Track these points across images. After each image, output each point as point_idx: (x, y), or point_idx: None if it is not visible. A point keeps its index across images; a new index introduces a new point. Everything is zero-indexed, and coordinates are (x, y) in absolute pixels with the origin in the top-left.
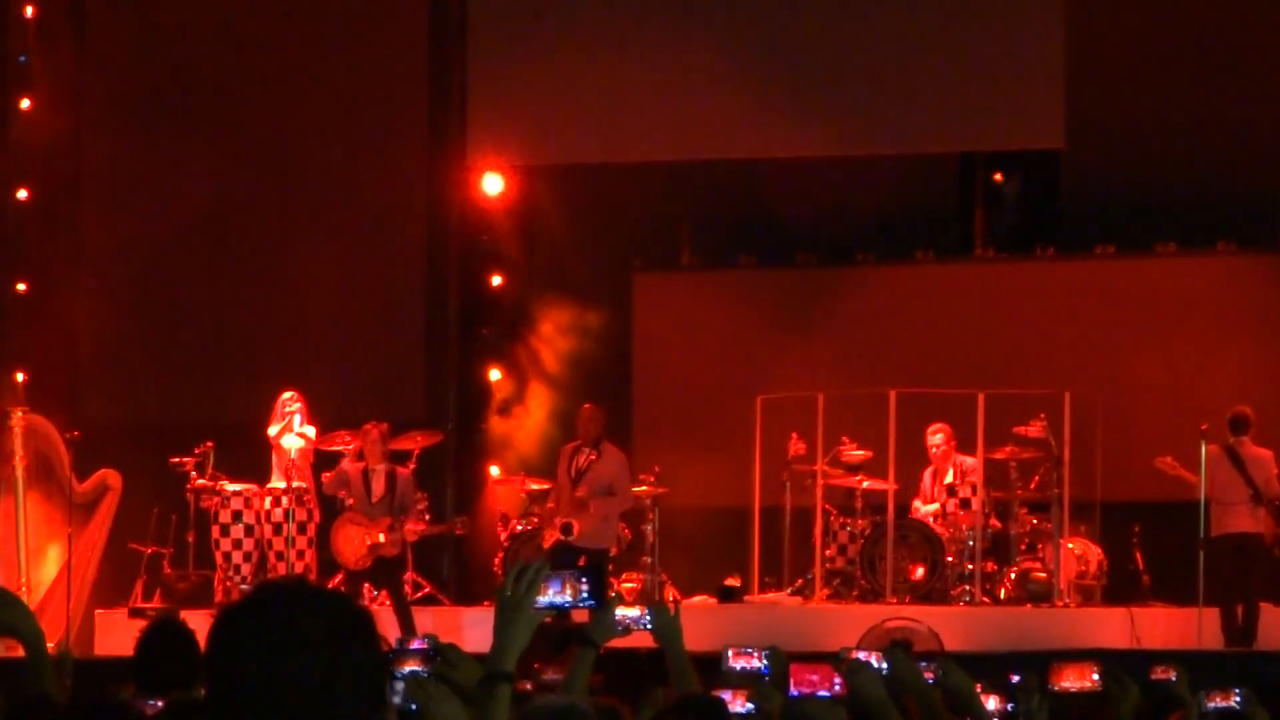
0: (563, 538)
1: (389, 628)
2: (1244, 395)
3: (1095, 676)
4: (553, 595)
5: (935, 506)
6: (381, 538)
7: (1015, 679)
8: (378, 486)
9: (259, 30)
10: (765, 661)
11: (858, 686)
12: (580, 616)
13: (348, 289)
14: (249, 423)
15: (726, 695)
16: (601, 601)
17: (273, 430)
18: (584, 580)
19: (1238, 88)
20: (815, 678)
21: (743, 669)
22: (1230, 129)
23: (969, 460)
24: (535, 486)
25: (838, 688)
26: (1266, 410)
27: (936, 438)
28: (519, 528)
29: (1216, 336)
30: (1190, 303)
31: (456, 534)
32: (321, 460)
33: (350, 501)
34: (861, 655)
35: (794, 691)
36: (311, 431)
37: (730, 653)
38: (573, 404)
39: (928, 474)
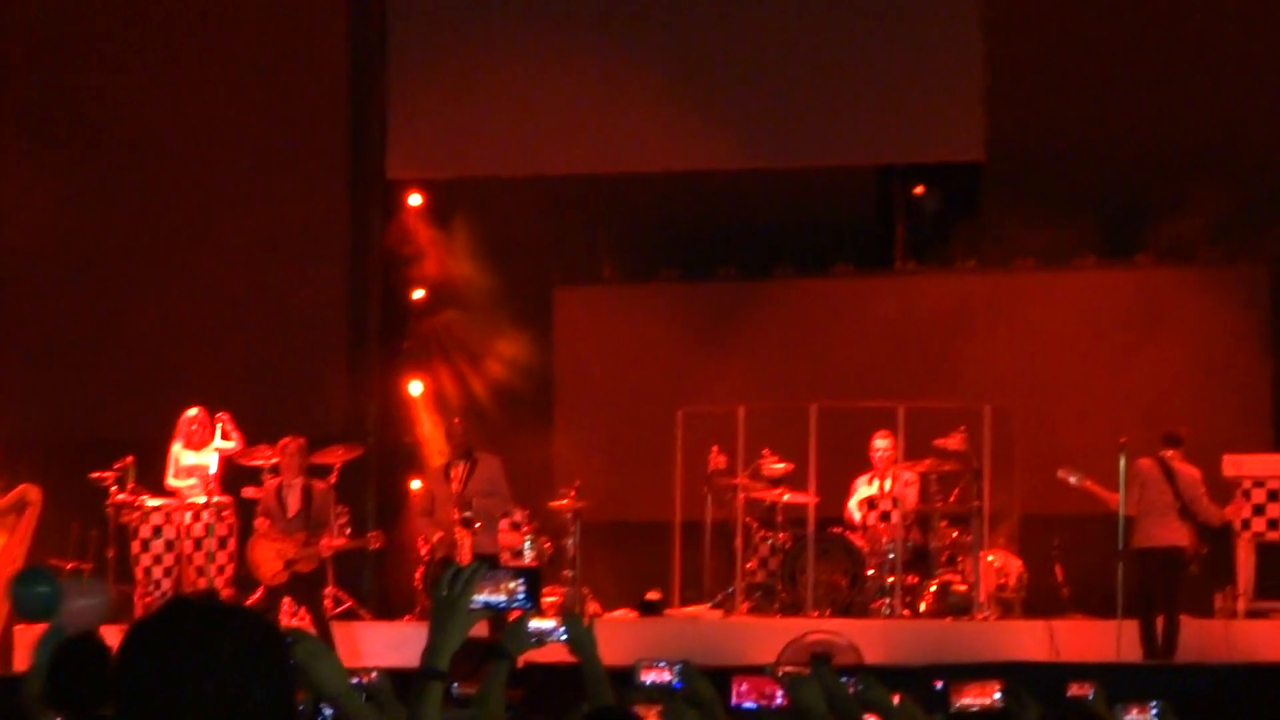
0: (464, 529)
1: None
2: (1163, 408)
3: (997, 695)
4: (488, 595)
5: (869, 493)
6: (295, 553)
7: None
8: (292, 501)
9: (177, 41)
10: (677, 676)
11: (800, 700)
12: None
13: (269, 303)
14: (170, 438)
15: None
16: (537, 603)
17: (176, 447)
18: (520, 581)
19: (1156, 101)
20: (744, 687)
21: (654, 683)
22: (1148, 142)
23: (906, 474)
24: None
25: (780, 701)
26: (1184, 421)
27: (883, 443)
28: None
29: (1135, 349)
30: (1109, 315)
31: (371, 549)
32: (241, 474)
33: (266, 521)
34: (790, 669)
35: (734, 703)
36: (233, 444)
37: (641, 666)
38: (496, 418)
39: (862, 480)
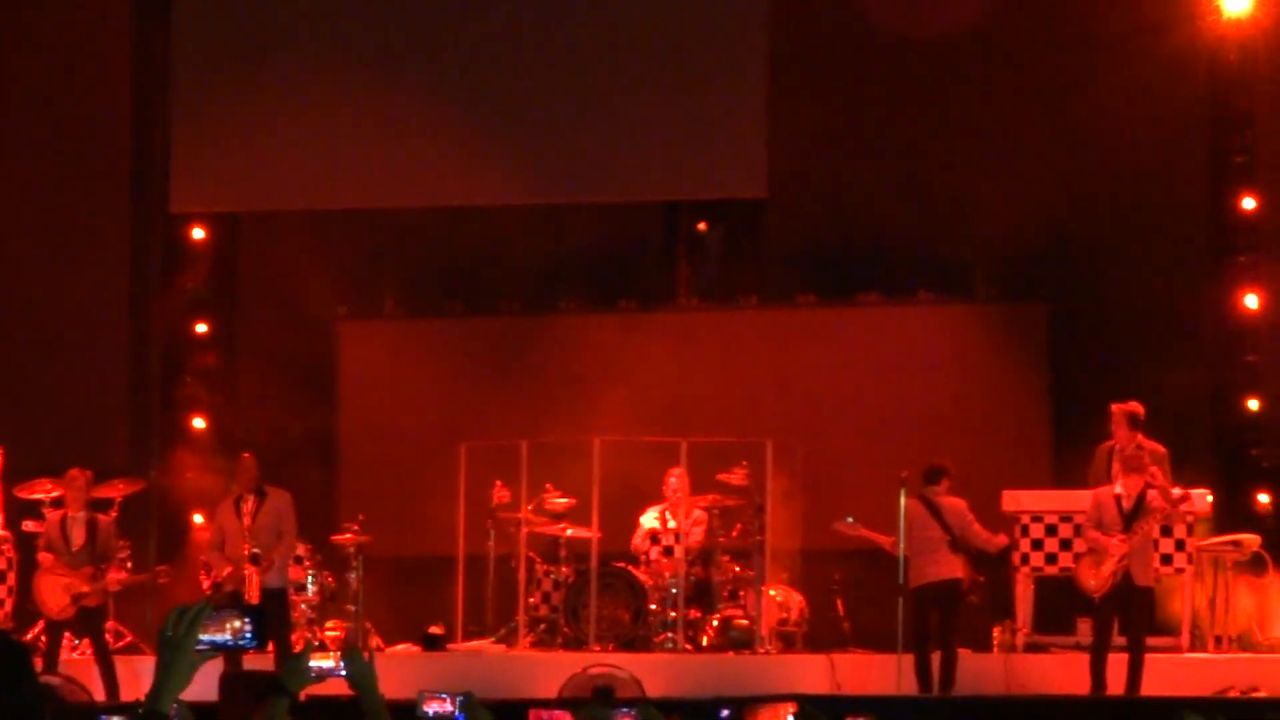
0: (253, 566)
1: (92, 676)
2: (943, 442)
3: (790, 717)
4: (214, 634)
5: (652, 525)
6: (83, 587)
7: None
8: (77, 535)
9: None
10: (459, 708)
11: None
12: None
13: (50, 336)
14: None
15: None
16: (264, 641)
17: None
18: (247, 619)
19: (936, 141)
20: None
21: (436, 714)
22: (928, 182)
23: (697, 513)
24: None
25: None
26: (964, 457)
27: (675, 479)
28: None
29: (917, 385)
30: (891, 352)
31: (159, 583)
32: (21, 507)
33: (46, 557)
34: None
35: None
36: None
37: (423, 698)
38: (278, 452)
39: (651, 511)
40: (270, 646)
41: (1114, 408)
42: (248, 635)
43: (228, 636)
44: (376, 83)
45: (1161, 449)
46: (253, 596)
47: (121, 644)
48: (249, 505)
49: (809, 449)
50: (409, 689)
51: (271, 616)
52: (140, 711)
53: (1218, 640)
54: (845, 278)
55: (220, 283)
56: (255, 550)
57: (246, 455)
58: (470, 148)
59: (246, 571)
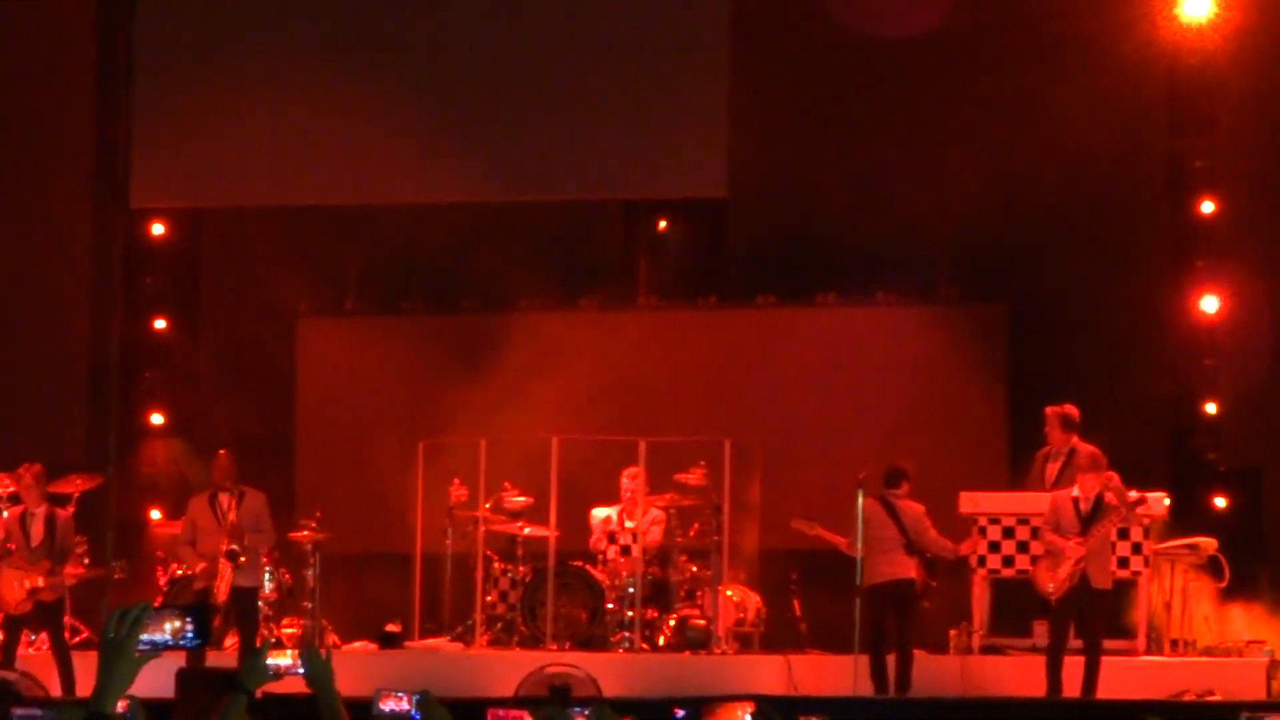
0: (230, 563)
1: (49, 672)
2: (901, 444)
3: (747, 717)
4: (154, 634)
5: (608, 514)
6: (41, 582)
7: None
8: (36, 530)
9: None
10: (415, 706)
11: None
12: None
13: (10, 330)
14: None
15: None
16: (206, 639)
17: None
18: (189, 619)
19: (896, 142)
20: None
21: (392, 711)
22: (887, 183)
23: (654, 511)
24: None
25: None
26: (921, 458)
27: (629, 480)
28: (179, 572)
29: (875, 386)
30: (850, 353)
31: (115, 579)
32: None
33: (11, 546)
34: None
35: None
36: None
37: (380, 695)
38: (236, 447)
39: (609, 511)
40: (228, 644)
41: (1048, 410)
42: (189, 635)
43: (167, 636)
44: (339, 80)
45: (1096, 451)
46: (224, 594)
47: (78, 639)
48: (228, 503)
49: (767, 449)
50: (365, 687)
51: (242, 614)
52: (85, 713)
53: (1174, 643)
54: (804, 278)
55: (181, 278)
56: (234, 547)
57: (223, 452)
58: (431, 146)
59: (221, 567)
